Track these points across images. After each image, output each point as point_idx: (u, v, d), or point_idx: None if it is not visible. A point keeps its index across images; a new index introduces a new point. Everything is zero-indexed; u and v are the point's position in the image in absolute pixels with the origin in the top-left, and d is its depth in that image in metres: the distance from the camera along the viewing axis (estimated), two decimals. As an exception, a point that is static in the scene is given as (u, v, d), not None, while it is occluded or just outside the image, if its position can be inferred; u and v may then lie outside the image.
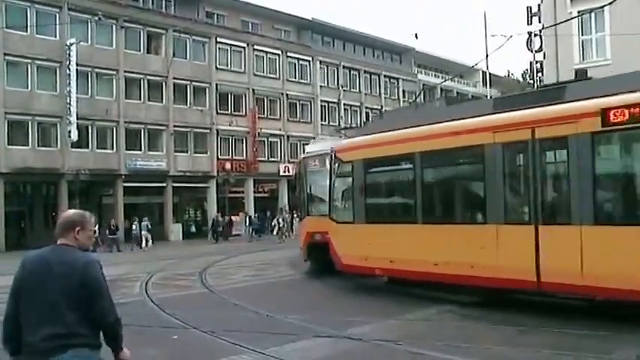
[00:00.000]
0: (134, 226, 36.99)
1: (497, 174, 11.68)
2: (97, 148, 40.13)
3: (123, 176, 40.72)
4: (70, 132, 37.61)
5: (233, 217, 45.21)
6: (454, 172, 13.45)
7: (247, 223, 43.40)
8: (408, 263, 13.36)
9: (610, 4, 21.22)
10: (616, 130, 10.00)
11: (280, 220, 41.57)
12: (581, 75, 12.34)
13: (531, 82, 35.44)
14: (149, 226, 37.52)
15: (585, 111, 10.27)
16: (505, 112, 11.82)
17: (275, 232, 41.35)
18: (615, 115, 9.83)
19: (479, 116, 12.24)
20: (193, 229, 45.85)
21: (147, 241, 36.55)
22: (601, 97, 10.14)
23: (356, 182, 15.26)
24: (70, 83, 37.66)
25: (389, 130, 14.45)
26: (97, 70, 40.03)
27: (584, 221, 10.15)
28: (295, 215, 35.10)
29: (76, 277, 4.07)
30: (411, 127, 13.78)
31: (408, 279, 13.97)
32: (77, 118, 37.90)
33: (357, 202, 15.22)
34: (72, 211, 4.55)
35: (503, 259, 11.22)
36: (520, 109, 11.50)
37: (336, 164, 16.12)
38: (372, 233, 14.58)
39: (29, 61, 37.27)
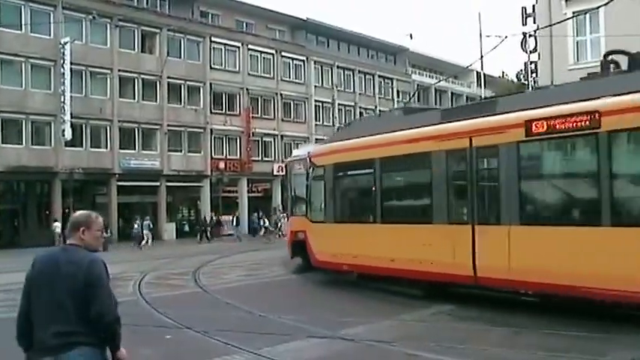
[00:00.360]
0: (136, 225, 36.98)
1: (441, 179, 13.00)
2: (91, 147, 40.05)
3: (117, 175, 40.63)
4: (64, 131, 37.53)
5: (224, 217, 45.17)
6: (407, 177, 14.98)
7: (235, 224, 43.10)
8: (370, 259, 14.72)
9: (605, 4, 21.23)
10: (537, 139, 11.11)
11: (266, 220, 42.04)
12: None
13: (526, 82, 35.43)
14: (151, 226, 37.90)
15: (512, 122, 11.40)
16: (450, 122, 13.02)
17: (262, 233, 41.33)
18: (536, 126, 10.99)
19: (428, 126, 13.48)
20: (187, 228, 45.75)
21: (147, 240, 36.46)
22: (526, 109, 11.25)
23: (327, 185, 16.73)
24: (64, 82, 37.58)
25: (355, 138, 15.85)
26: (91, 68, 39.93)
27: (512, 222, 11.32)
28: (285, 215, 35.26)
29: (81, 276, 4.18)
30: (373, 134, 15.20)
31: (372, 274, 15.19)
32: (71, 117, 37.86)
33: (327, 203, 16.74)
34: (78, 212, 4.63)
35: (445, 256, 12.41)
36: (461, 120, 12.68)
37: (311, 168, 17.61)
38: (339, 232, 16.08)
39: (23, 59, 37.15)
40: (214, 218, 43.94)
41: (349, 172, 16.35)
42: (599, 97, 10.22)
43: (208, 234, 40.90)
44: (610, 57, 12.38)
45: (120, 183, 40.75)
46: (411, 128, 13.89)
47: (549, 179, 11.73)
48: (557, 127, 10.70)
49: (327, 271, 17.35)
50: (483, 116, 12.22)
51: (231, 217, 44.45)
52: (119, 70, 41.15)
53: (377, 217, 14.83)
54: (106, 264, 4.34)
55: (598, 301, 10.06)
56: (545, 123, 10.84)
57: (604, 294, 9.81)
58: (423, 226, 13.31)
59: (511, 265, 11.08)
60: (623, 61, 11.59)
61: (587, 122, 10.22)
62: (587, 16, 25.07)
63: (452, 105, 65.77)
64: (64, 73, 37.62)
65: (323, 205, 16.98)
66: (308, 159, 17.88)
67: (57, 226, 35.02)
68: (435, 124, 13.32)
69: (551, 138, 10.99)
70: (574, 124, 10.45)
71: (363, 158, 15.27)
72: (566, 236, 10.50)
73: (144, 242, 36.03)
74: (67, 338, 4.12)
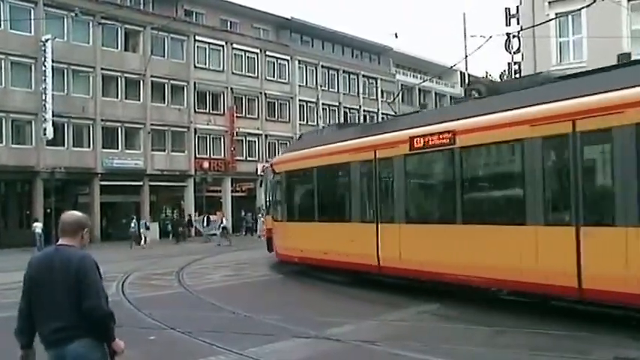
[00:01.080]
0: (132, 224, 36.83)
1: (356, 185, 15.83)
2: (73, 146, 39.71)
3: (99, 175, 40.35)
4: (45, 129, 37.20)
5: (211, 216, 45.01)
6: (334, 184, 17.56)
7: (204, 224, 42.33)
8: (311, 253, 17.56)
9: (587, 6, 21.43)
10: (417, 153, 13.72)
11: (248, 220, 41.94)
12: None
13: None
14: (147, 225, 38.14)
15: (402, 139, 14.01)
16: (362, 137, 15.79)
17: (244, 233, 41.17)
18: (416, 142, 13.54)
19: (348, 140, 16.27)
20: (170, 228, 45.45)
21: (145, 239, 36.42)
22: (412, 128, 13.92)
23: (281, 189, 20.02)
24: (45, 80, 37.23)
25: (302, 149, 18.98)
26: (73, 67, 39.60)
27: (401, 221, 14.15)
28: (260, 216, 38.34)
29: (73, 273, 4.47)
30: (313, 147, 18.14)
31: (313, 265, 17.98)
32: (53, 116, 37.50)
33: (282, 204, 19.96)
34: (78, 214, 4.93)
35: (359, 250, 15.15)
36: (370, 136, 15.50)
37: (272, 174, 20.72)
38: (291, 229, 18.99)
39: (3, 57, 36.75)
40: (185, 218, 43.52)
41: (296, 178, 19.45)
42: (457, 119, 12.71)
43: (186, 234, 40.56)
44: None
45: (103, 183, 40.44)
46: (337, 142, 16.78)
47: (424, 186, 14.73)
48: (429, 142, 13.27)
49: (310, 272, 18.38)
50: (384, 133, 15.06)
51: (219, 217, 44.27)
52: (102, 69, 40.84)
53: (315, 216, 17.76)
54: (96, 261, 4.60)
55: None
56: (421, 139, 13.43)
57: (459, 279, 12.32)
58: (345, 225, 16.02)
59: (401, 257, 13.85)
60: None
61: (447, 140, 12.77)
62: (570, 17, 25.29)
63: (435, 105, 65.91)
64: (45, 71, 37.24)
65: (280, 206, 20.17)
66: (270, 166, 21.22)
67: (37, 226, 34.63)
68: (352, 139, 16.15)
69: (425, 152, 13.55)
70: (439, 141, 13.02)
71: (305, 167, 18.41)
72: (433, 232, 13.22)
73: (142, 242, 36.01)
74: (65, 333, 4.43)
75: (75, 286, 4.45)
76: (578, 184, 10.15)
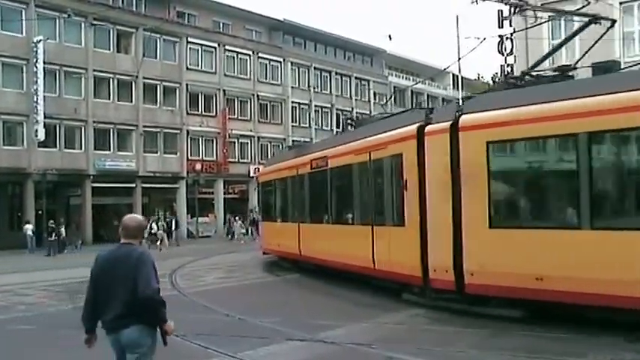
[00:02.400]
0: (154, 226, 36.22)
1: (289, 194, 21.22)
2: (65, 147, 39.57)
3: (91, 176, 40.20)
4: (36, 131, 37.04)
5: (202, 219, 44.94)
6: (281, 193, 22.51)
7: (174, 227, 40.60)
8: (276, 246, 22.46)
9: (580, 9, 21.45)
10: (313, 171, 18.56)
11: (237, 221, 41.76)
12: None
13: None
14: (165, 226, 38.41)
15: (308, 160, 18.95)
16: (296, 157, 20.57)
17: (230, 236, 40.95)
18: (312, 164, 18.60)
19: (290, 159, 21.15)
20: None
21: (161, 240, 36.14)
22: (312, 153, 19.26)
23: (263, 195, 25.76)
24: (37, 81, 37.09)
25: (273, 164, 24.55)
26: (65, 68, 39.45)
27: (303, 221, 19.44)
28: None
29: (132, 267, 5.25)
30: (273, 164, 24.47)
31: (279, 257, 22.72)
32: (44, 117, 37.35)
33: (264, 207, 25.47)
34: (139, 217, 5.92)
35: (289, 242, 20.29)
36: (298, 157, 20.43)
37: (257, 183, 26.30)
38: (269, 227, 23.74)
39: (-6, 58, 36.61)
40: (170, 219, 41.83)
41: (268, 187, 24.16)
42: (331, 147, 17.71)
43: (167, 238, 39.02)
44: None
45: (94, 184, 40.30)
46: (287, 160, 21.70)
47: (317, 195, 18.66)
48: (317, 164, 18.13)
49: (302, 273, 19.54)
50: (304, 154, 19.84)
51: (211, 219, 44.22)
52: (94, 70, 40.71)
53: (277, 217, 22.74)
54: (152, 256, 5.50)
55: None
56: (314, 162, 18.35)
57: (350, 268, 15.64)
58: (286, 224, 21.18)
59: (303, 249, 19.18)
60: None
61: (325, 162, 17.57)
62: (563, 20, 25.33)
63: (427, 106, 65.91)
64: (36, 73, 37.10)
65: (263, 209, 25.85)
66: (256, 176, 27.06)
67: (28, 228, 34.43)
68: (290, 159, 21.28)
69: (316, 171, 18.21)
70: (322, 163, 17.75)
71: (269, 179, 23.77)
72: (326, 230, 17.46)
73: (159, 243, 35.57)
74: (122, 320, 5.25)
75: (132, 279, 5.19)
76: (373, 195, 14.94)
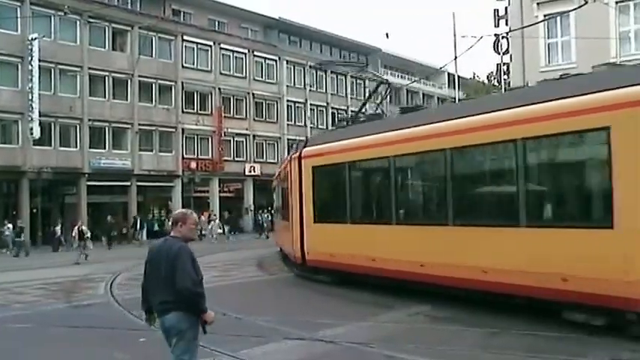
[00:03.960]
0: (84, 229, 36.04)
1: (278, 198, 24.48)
2: (60, 145, 39.42)
3: (86, 175, 40.07)
4: (32, 129, 36.92)
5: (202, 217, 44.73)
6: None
7: (139, 227, 40.30)
8: (280, 241, 24.18)
9: (576, 9, 21.51)
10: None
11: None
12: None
13: (497, 84, 35.68)
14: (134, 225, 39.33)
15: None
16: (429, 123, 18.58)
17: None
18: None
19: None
20: (157, 228, 45.09)
21: (85, 246, 35.40)
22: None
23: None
24: (32, 79, 36.97)
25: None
26: (60, 66, 39.30)
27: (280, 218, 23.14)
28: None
29: (172, 259, 5.79)
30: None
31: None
32: (39, 115, 37.25)
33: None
34: (178, 210, 6.45)
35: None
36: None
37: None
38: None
39: (-11, 55, 36.43)
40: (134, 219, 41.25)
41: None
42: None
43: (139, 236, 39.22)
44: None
45: (90, 183, 40.17)
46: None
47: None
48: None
49: (301, 273, 18.74)
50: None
51: (205, 218, 43.90)
52: (89, 68, 40.57)
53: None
54: (191, 250, 5.95)
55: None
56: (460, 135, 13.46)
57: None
58: (286, 222, 20.46)
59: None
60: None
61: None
62: (558, 18, 25.38)
63: (423, 104, 65.87)
64: (31, 70, 36.98)
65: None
66: (288, 162, 26.14)
67: (8, 227, 33.94)
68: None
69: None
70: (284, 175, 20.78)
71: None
72: (284, 225, 20.59)
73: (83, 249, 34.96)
74: (166, 305, 5.82)
75: (171, 270, 5.75)
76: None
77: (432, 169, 13.77)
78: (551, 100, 10.29)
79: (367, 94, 61.62)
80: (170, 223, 6.24)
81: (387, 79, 25.21)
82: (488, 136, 11.44)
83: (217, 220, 42.50)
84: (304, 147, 17.76)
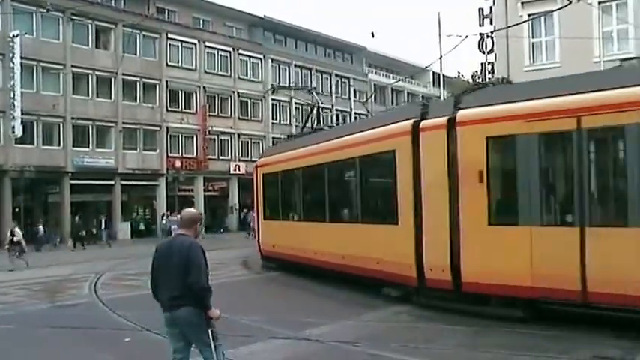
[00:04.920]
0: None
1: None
2: (43, 144, 39.08)
3: (70, 174, 39.74)
4: (13, 127, 36.57)
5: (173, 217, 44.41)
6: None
7: (103, 227, 38.92)
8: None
9: (560, 9, 21.64)
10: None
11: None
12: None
13: (481, 83, 35.82)
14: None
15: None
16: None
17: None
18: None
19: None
20: (142, 227, 44.99)
21: (21, 251, 34.68)
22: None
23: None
24: (13, 77, 36.59)
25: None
26: (43, 63, 38.94)
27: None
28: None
29: (185, 255, 6.05)
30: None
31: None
32: (22, 114, 36.86)
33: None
34: (193, 211, 6.78)
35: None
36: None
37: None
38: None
39: (-31, 52, 36.06)
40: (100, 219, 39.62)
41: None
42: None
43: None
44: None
45: (73, 181, 39.84)
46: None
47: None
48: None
49: (284, 270, 19.52)
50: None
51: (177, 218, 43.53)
52: (72, 66, 40.25)
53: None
54: (202, 246, 6.23)
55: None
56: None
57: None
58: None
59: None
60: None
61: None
62: (543, 18, 25.54)
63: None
64: (13, 68, 36.60)
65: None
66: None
67: None
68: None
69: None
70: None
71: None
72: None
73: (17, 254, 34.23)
74: (176, 301, 6.04)
75: (184, 266, 6.00)
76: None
77: (315, 178, 17.31)
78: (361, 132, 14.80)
79: (353, 93, 61.99)
80: (189, 221, 6.45)
81: (317, 102, 26.50)
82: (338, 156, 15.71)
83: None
84: (260, 158, 21.78)
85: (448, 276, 11.28)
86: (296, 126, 54.14)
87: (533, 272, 9.90)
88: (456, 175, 11.19)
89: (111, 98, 42.49)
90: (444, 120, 11.50)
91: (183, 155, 47.11)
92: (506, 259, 10.30)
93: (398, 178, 12.69)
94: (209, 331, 6.18)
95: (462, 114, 11.25)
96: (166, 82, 45.79)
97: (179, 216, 7.01)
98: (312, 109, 27.92)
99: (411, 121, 12.27)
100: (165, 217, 38.95)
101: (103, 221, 39.50)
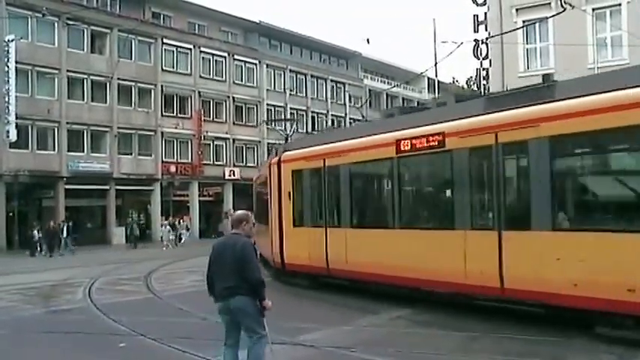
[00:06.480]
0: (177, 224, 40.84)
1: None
2: (38, 148, 39.03)
3: (64, 178, 39.69)
4: (8, 132, 36.52)
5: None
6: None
7: (66, 234, 35.63)
8: None
9: (554, 16, 21.75)
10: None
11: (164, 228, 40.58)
12: None
13: (477, 89, 35.93)
14: (189, 227, 42.42)
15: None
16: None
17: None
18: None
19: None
20: (137, 232, 44.78)
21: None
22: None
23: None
24: (8, 81, 36.57)
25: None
26: (37, 68, 38.95)
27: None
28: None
29: (238, 252, 6.89)
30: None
31: None
32: (16, 118, 36.81)
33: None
34: (241, 212, 7.54)
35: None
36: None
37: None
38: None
39: (-36, 57, 35.97)
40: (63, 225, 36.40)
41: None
42: None
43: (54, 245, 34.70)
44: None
45: (68, 186, 39.80)
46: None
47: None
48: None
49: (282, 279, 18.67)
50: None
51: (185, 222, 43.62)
52: (68, 71, 40.26)
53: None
54: (253, 244, 7.16)
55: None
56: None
57: None
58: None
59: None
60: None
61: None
62: (537, 25, 25.64)
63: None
64: (8, 72, 36.57)
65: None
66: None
67: None
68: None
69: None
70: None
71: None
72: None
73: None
74: (230, 291, 6.89)
75: (238, 261, 6.84)
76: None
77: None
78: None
79: (348, 98, 62.09)
80: (236, 222, 7.25)
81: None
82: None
83: (169, 225, 41.40)
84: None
85: (279, 260, 17.23)
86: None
87: (324, 258, 15.25)
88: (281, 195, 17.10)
89: (106, 103, 42.47)
90: (276, 159, 17.59)
91: (178, 160, 47.10)
92: (306, 250, 15.87)
93: (270, 195, 17.94)
94: (260, 319, 7.01)
95: (284, 155, 17.37)
96: (161, 86, 45.80)
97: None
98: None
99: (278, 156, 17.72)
100: (167, 224, 41.81)
101: (65, 227, 35.88)
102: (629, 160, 9.74)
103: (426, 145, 12.30)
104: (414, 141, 12.56)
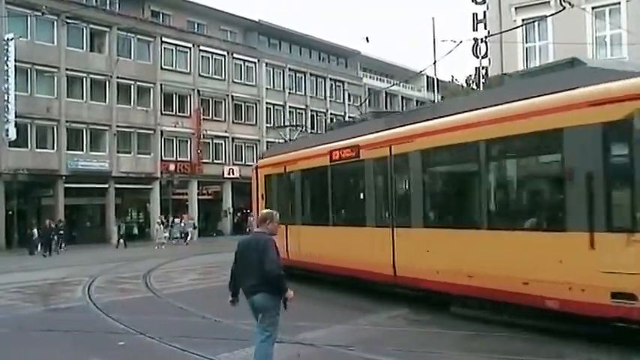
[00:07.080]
0: (178, 222, 41.74)
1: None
2: (37, 147, 39.04)
3: (64, 177, 39.70)
4: (7, 130, 36.52)
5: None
6: None
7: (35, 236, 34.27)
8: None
9: (553, 14, 21.72)
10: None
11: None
12: None
13: (475, 87, 35.91)
14: (196, 225, 43.59)
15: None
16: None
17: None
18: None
19: None
20: (136, 231, 44.89)
21: (191, 237, 41.19)
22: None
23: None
24: (7, 80, 36.58)
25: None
26: (37, 66, 38.93)
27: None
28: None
29: (261, 249, 7.18)
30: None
31: None
32: (16, 116, 36.81)
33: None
34: (265, 211, 7.93)
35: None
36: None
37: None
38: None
39: (-36, 55, 35.95)
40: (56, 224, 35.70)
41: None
42: None
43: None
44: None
45: (67, 185, 39.82)
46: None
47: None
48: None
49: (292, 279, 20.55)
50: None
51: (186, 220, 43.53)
52: (67, 69, 40.23)
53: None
54: (275, 242, 7.38)
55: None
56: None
57: None
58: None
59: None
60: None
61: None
62: (536, 23, 25.61)
63: (402, 109, 66.35)
64: (7, 71, 36.58)
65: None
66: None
67: None
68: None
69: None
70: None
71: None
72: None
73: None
74: (254, 288, 7.23)
75: (260, 258, 7.11)
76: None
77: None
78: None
79: (347, 97, 62.07)
80: (260, 220, 7.67)
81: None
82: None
83: (162, 224, 40.94)
84: (261, 156, 21.84)
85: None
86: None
87: (285, 250, 16.38)
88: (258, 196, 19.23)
89: (105, 101, 42.47)
90: (254, 165, 20.30)
91: (178, 159, 47.10)
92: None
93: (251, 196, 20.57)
94: (276, 320, 7.41)
95: (260, 162, 19.95)
96: (161, 85, 45.79)
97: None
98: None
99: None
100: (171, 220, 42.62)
101: (36, 230, 34.59)
102: (465, 169, 11.90)
103: (347, 155, 14.83)
104: (340, 152, 15.11)
